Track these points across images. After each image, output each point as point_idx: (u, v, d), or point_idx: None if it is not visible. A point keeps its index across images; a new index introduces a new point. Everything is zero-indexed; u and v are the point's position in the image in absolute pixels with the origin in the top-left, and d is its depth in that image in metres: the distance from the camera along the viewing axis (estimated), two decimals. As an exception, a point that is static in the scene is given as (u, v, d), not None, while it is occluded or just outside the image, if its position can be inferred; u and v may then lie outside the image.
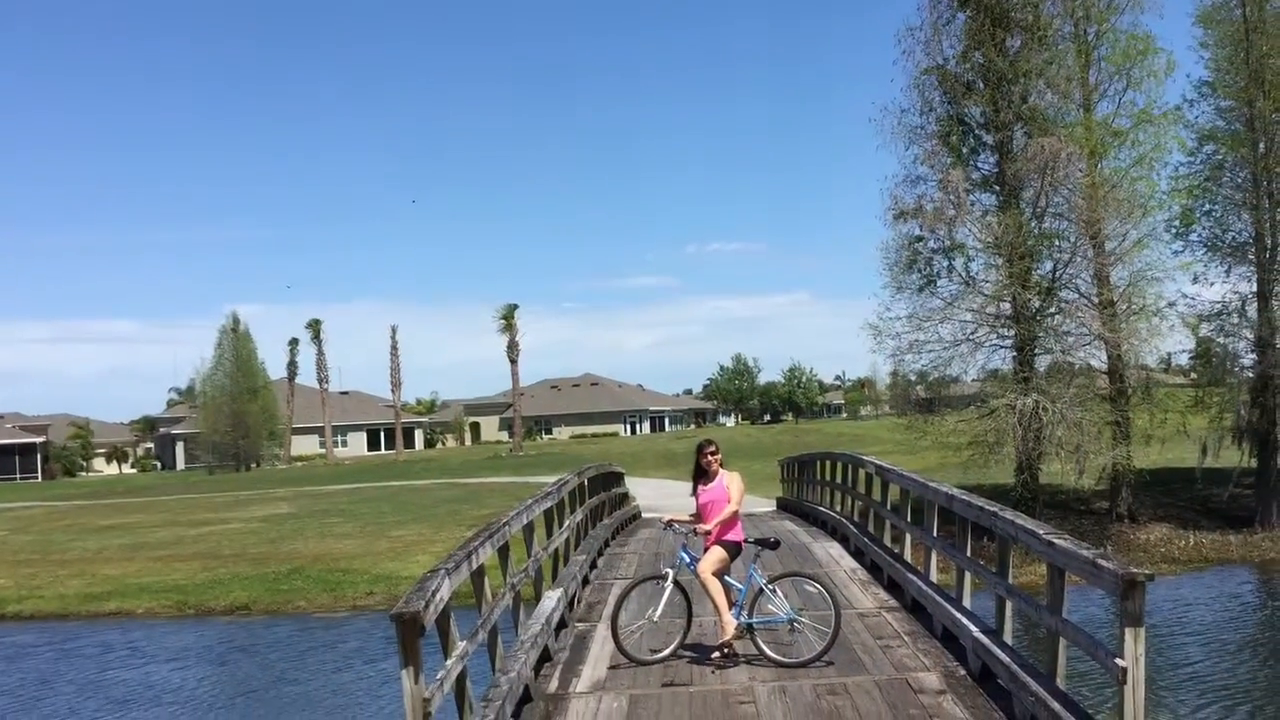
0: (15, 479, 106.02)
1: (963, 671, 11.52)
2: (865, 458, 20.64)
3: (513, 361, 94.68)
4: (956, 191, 36.15)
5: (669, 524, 12.96)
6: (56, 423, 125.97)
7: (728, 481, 12.53)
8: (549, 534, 16.03)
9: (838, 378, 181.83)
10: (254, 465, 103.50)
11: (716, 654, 12.23)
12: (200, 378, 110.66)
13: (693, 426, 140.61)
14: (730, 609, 12.13)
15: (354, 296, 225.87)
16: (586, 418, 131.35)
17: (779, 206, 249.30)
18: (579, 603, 16.33)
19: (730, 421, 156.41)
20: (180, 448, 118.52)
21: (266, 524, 47.26)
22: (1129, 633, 8.09)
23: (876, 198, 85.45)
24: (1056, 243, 37.21)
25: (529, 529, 13.98)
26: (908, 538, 16.42)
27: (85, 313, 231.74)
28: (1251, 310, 38.91)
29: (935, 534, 14.46)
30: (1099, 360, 37.70)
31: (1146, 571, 8.22)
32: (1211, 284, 39.58)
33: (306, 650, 27.71)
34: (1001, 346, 37.63)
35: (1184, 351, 45.20)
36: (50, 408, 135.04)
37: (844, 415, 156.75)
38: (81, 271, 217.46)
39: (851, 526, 21.08)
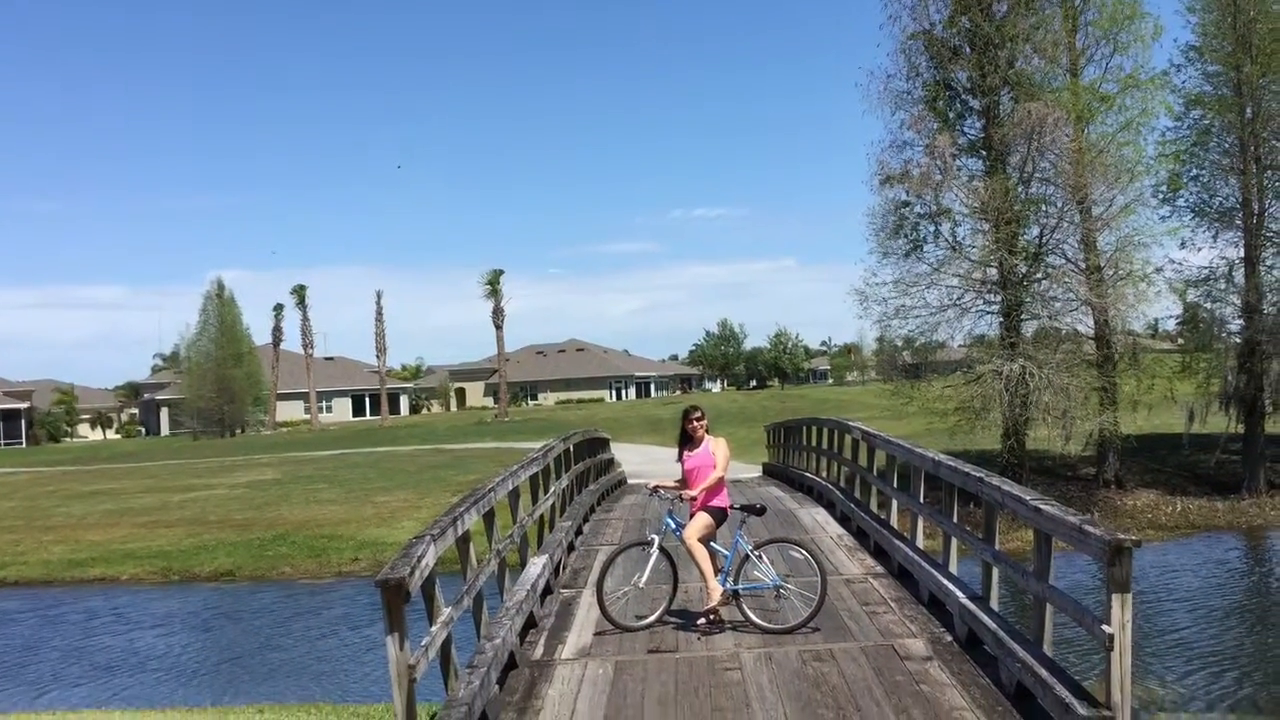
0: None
1: (949, 638, 11.50)
2: (851, 423, 20.61)
3: (498, 327, 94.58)
4: (943, 156, 36.02)
5: (654, 490, 12.92)
6: (41, 388, 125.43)
7: (713, 447, 12.48)
8: (534, 500, 15.97)
9: (823, 343, 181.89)
10: (239, 431, 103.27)
11: (702, 620, 12.20)
12: (185, 343, 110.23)
13: (678, 392, 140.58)
14: (716, 575, 12.10)
15: (339, 262, 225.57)
16: (572, 383, 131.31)
17: (764, 172, 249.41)
18: (564, 569, 16.31)
19: (716, 387, 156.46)
20: (165, 414, 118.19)
21: (251, 490, 47.19)
22: (1115, 599, 8.06)
23: (863, 163, 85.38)
24: (1043, 208, 37.12)
25: (514, 495, 13.93)
26: (894, 504, 16.40)
27: (70, 278, 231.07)
28: (1239, 275, 38.97)
29: (922, 500, 14.44)
30: (1086, 325, 37.67)
31: (1133, 537, 8.18)
32: (1199, 249, 39.67)
33: (291, 616, 27.69)
34: (988, 312, 37.59)
35: (1171, 317, 45.37)
36: (35, 373, 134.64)
37: (830, 381, 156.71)
38: (67, 237, 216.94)
39: (838, 492, 21.07)
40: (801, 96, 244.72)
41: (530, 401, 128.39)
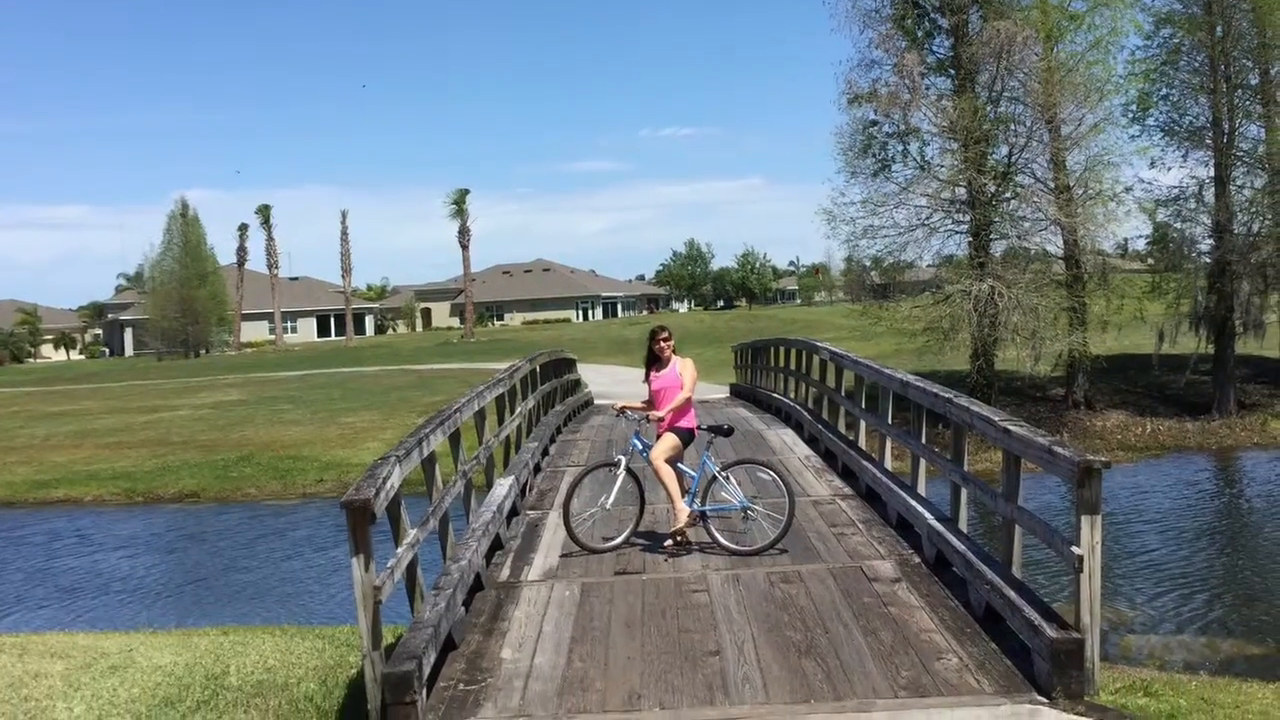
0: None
1: (917, 559, 11.47)
2: (819, 344, 20.52)
3: (464, 247, 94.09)
4: (911, 75, 35.71)
5: (621, 411, 12.81)
6: (3, 309, 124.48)
7: (680, 368, 12.36)
8: (501, 421, 15.87)
9: (792, 263, 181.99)
10: (203, 352, 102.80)
11: (669, 542, 12.14)
12: (149, 264, 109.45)
13: (645, 313, 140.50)
14: (683, 496, 12.03)
15: (304, 181, 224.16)
16: (538, 304, 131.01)
17: (734, 91, 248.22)
18: (531, 490, 16.22)
19: (683, 307, 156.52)
20: (129, 334, 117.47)
21: (216, 411, 46.96)
22: (1085, 520, 8.04)
23: (832, 82, 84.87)
24: (1012, 127, 36.87)
25: (480, 416, 13.81)
26: (862, 425, 16.35)
27: (33, 198, 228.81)
28: (1209, 195, 38.88)
29: (890, 421, 14.38)
30: (1055, 245, 37.62)
31: (1103, 459, 8.15)
32: (1169, 169, 39.68)
33: (256, 538, 27.59)
34: (957, 232, 37.44)
35: (1141, 237, 45.33)
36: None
37: (798, 301, 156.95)
38: (29, 157, 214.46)
39: (806, 413, 21.01)
40: (771, 14, 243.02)
41: (497, 322, 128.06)
